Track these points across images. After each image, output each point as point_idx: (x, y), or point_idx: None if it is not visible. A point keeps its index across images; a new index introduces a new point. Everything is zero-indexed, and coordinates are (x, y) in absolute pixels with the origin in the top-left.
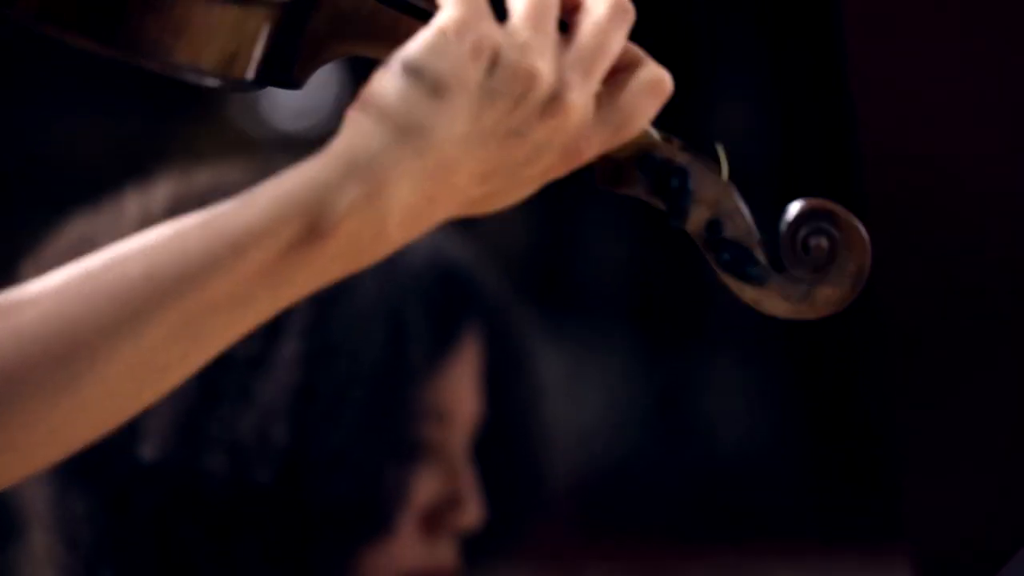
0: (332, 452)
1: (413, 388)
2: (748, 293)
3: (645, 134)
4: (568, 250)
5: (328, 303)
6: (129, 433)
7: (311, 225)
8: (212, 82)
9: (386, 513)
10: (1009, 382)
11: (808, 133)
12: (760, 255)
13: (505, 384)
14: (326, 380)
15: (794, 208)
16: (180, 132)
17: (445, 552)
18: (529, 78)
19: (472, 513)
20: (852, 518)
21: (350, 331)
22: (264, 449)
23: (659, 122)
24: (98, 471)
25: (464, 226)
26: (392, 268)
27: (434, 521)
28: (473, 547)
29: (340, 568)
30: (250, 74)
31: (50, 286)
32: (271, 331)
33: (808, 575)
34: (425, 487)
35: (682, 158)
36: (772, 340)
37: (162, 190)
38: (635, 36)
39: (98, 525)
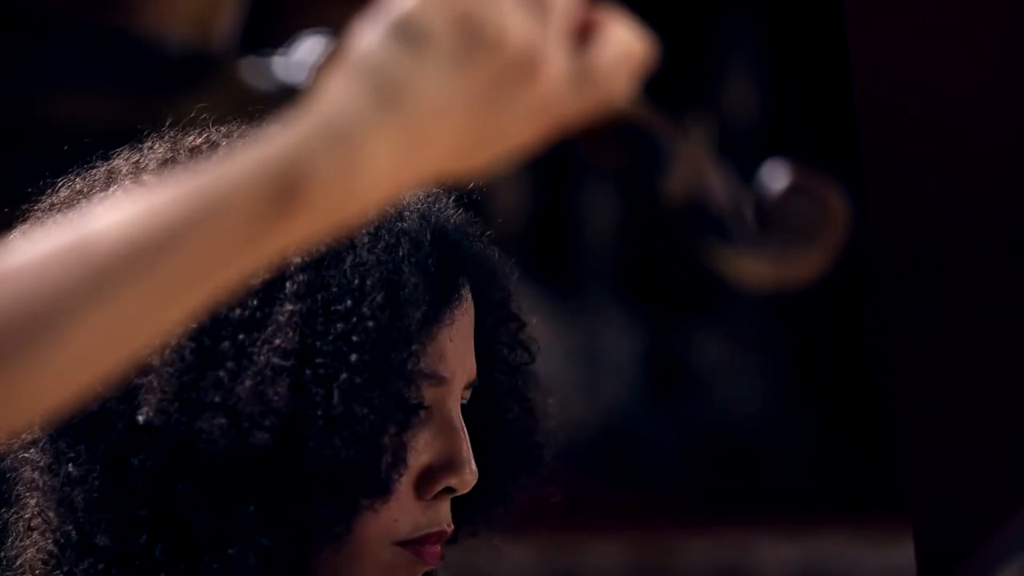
0: (331, 414)
1: (411, 350)
2: (726, 260)
3: (626, 103)
4: (566, 216)
5: (324, 266)
6: (125, 396)
7: (287, 191)
8: (192, 48)
9: (385, 475)
10: (1004, 366)
11: (804, 97)
12: (741, 223)
13: (497, 346)
14: (324, 342)
15: (777, 178)
16: (178, 101)
17: (439, 514)
18: (508, 44)
19: (466, 475)
20: (855, 492)
21: (347, 293)
22: (263, 411)
23: (648, 87)
24: (94, 434)
25: (456, 192)
26: (388, 231)
27: (429, 483)
28: (465, 509)
29: (337, 530)
30: (228, 39)
31: (28, 255)
32: (267, 293)
33: (812, 547)
34: (421, 450)
35: (663, 129)
36: (779, 319)
37: (153, 150)
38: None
39: (93, 488)
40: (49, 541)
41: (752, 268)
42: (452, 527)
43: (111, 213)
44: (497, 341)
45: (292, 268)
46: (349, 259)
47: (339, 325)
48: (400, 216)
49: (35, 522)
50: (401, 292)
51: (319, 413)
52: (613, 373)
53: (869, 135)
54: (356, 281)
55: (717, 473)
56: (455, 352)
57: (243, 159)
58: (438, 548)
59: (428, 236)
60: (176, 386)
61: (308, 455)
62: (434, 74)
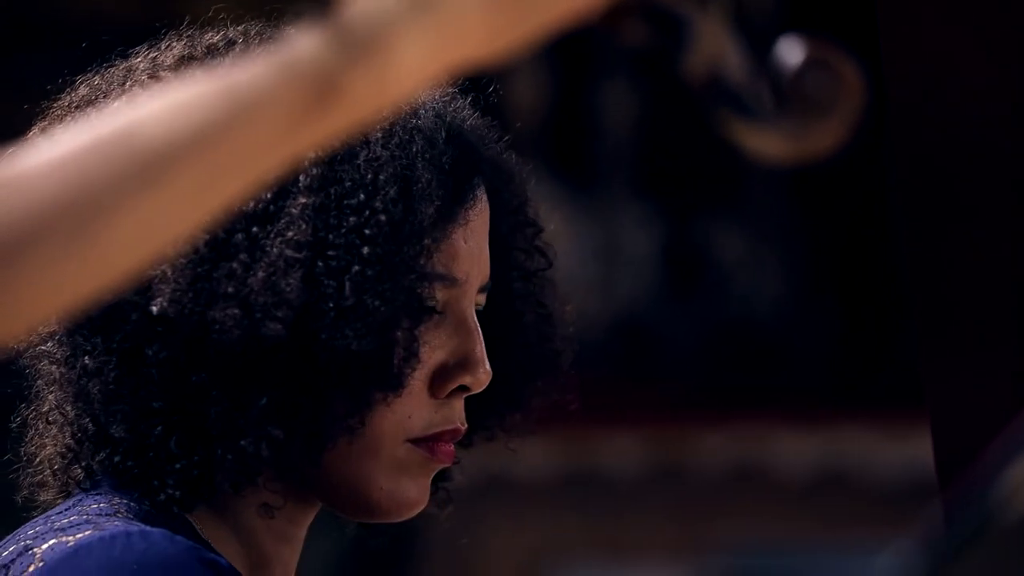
0: (342, 306)
1: (422, 245)
2: (744, 136)
3: None
4: (584, 111)
5: (337, 160)
6: (139, 288)
7: (324, 87)
8: None
9: (398, 369)
10: (1020, 258)
11: None
12: (759, 98)
13: (513, 252)
14: (336, 235)
15: (793, 52)
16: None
17: (453, 412)
18: None
19: (480, 374)
20: (874, 386)
21: (360, 188)
22: (276, 302)
23: None
24: (109, 326)
25: (474, 88)
26: (402, 127)
27: (443, 381)
28: (481, 413)
29: (351, 424)
30: None
31: (66, 151)
32: (279, 187)
33: (830, 441)
34: (435, 347)
35: (681, 4)
36: (798, 212)
37: (172, 48)
38: None
39: (108, 380)
40: (67, 435)
41: (770, 143)
42: (465, 426)
43: (153, 107)
44: (514, 246)
45: (305, 162)
46: (363, 154)
47: (352, 219)
48: (415, 114)
49: (53, 416)
50: (414, 187)
51: (331, 305)
52: (631, 267)
53: (888, 17)
54: (369, 176)
55: (736, 367)
56: (469, 253)
57: (282, 55)
58: (451, 447)
59: (443, 134)
60: (190, 277)
61: (320, 346)
62: None
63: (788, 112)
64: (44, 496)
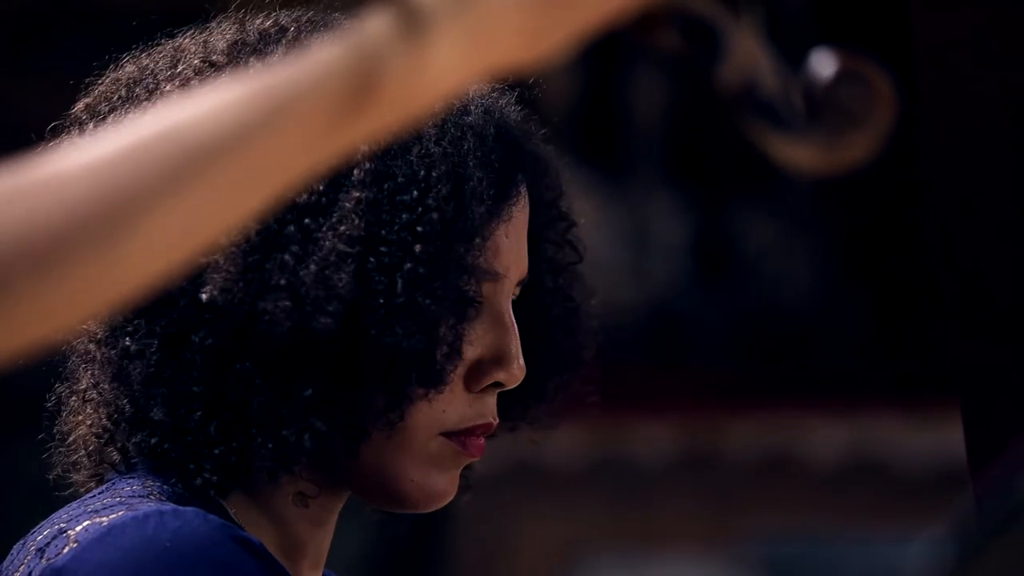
0: (393, 303)
1: (472, 244)
2: (776, 146)
3: None
4: (616, 99)
5: (390, 155)
6: (189, 274)
7: (364, 87)
8: None
9: (441, 366)
10: None
11: None
12: (791, 109)
13: (545, 244)
14: (389, 231)
15: (826, 64)
16: None
17: (486, 407)
18: None
19: (515, 370)
20: (905, 374)
21: (413, 184)
22: (327, 296)
23: None
24: (154, 309)
25: (514, 87)
26: (454, 124)
27: (478, 376)
28: (504, 404)
29: (391, 418)
30: None
31: (102, 152)
32: (332, 180)
33: (861, 429)
34: (472, 342)
35: (715, 15)
36: (829, 200)
37: (222, 30)
38: None
39: (150, 363)
40: (103, 415)
41: (802, 154)
42: (497, 420)
43: (189, 108)
44: (546, 240)
45: (359, 156)
46: (415, 150)
47: (404, 215)
48: (465, 110)
49: (90, 395)
50: (466, 186)
51: (381, 301)
52: (662, 256)
53: (921, 15)
54: (422, 172)
55: (766, 356)
56: (510, 248)
57: (317, 59)
58: (482, 441)
59: (492, 131)
60: (241, 266)
61: (369, 342)
62: None
63: (821, 123)
64: (78, 477)
